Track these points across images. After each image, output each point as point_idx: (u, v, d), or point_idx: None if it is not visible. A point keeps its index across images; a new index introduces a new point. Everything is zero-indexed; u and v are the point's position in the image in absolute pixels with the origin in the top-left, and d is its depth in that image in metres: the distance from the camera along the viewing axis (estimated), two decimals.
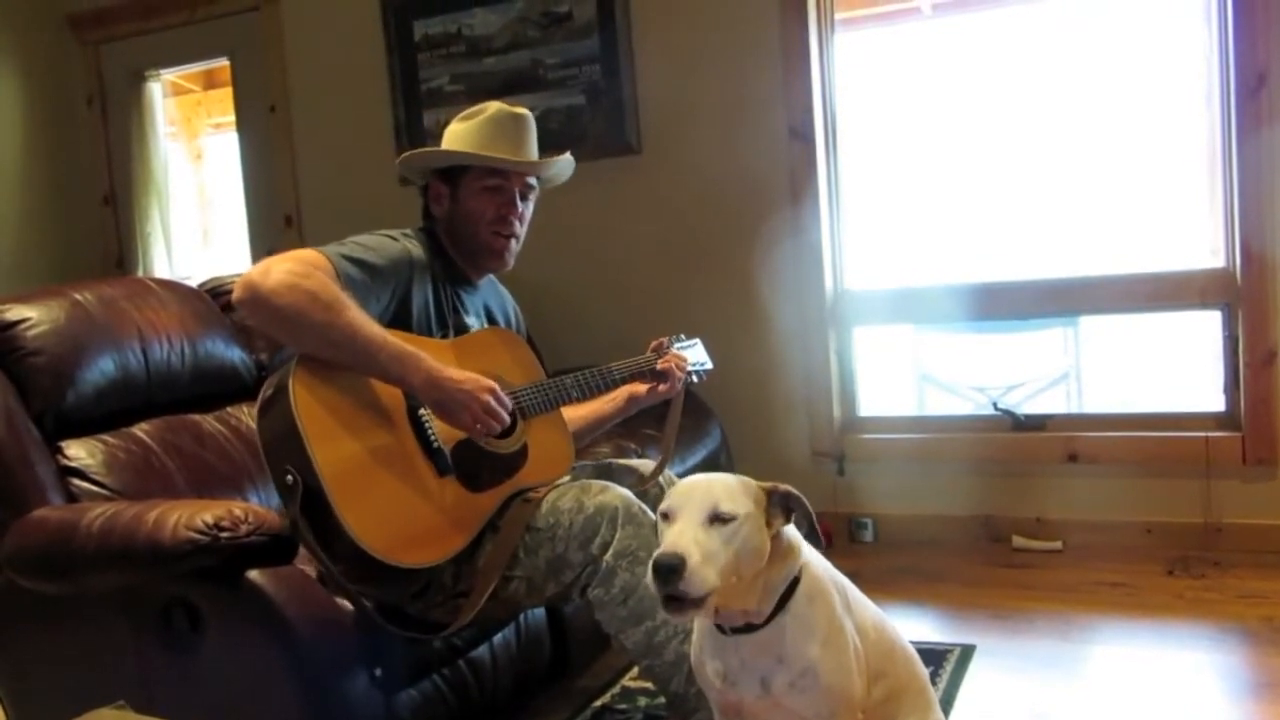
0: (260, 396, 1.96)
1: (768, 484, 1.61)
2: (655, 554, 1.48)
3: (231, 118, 4.71)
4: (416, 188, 2.33)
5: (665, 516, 1.55)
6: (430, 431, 2.00)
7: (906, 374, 4.49)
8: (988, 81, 3.56)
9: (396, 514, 1.90)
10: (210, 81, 5.44)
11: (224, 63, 4.64)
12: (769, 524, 1.58)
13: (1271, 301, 3.18)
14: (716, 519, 1.51)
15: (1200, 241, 3.36)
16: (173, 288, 2.68)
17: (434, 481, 1.98)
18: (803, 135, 3.62)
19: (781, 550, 1.60)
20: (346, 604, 1.96)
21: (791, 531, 1.63)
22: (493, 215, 2.22)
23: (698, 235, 3.80)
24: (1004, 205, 3.65)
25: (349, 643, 1.93)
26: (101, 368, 2.32)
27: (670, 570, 1.45)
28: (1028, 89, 3.53)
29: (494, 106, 2.23)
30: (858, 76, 3.69)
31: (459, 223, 2.24)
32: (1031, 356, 4.42)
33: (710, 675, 1.69)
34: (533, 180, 2.28)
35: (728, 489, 1.55)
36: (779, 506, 1.60)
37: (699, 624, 1.73)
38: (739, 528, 1.52)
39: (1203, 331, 3.46)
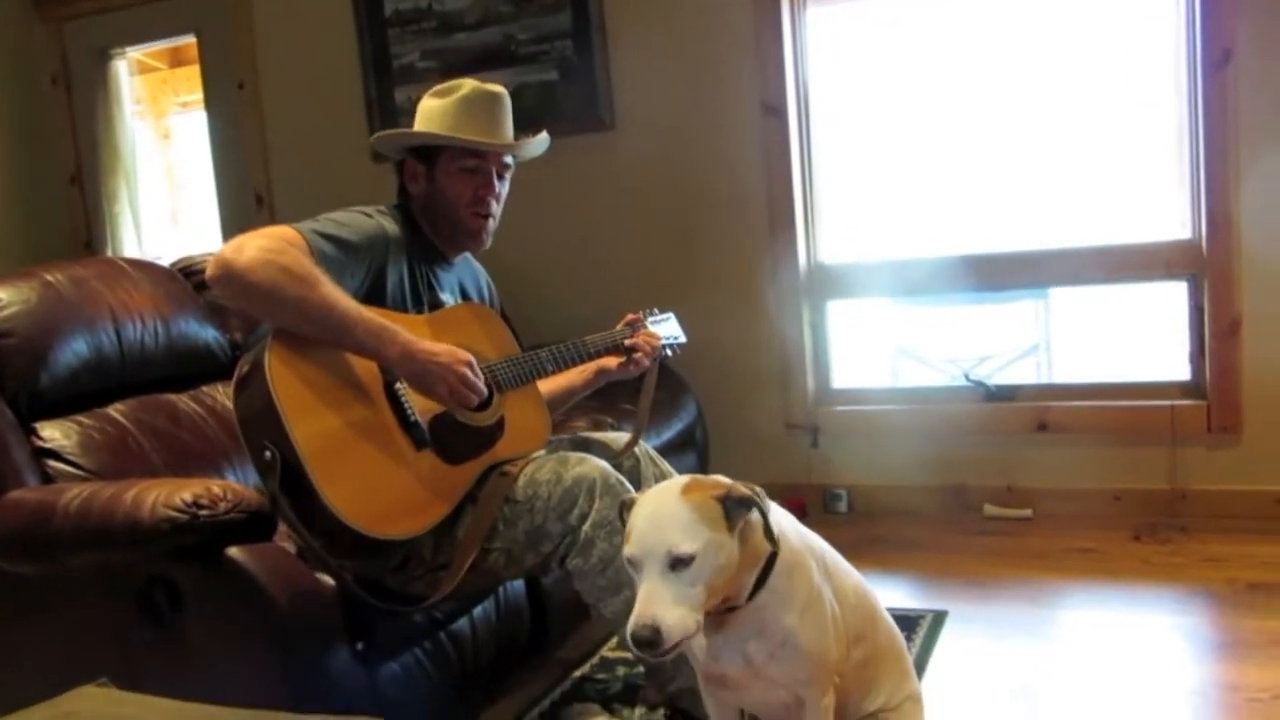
0: (236, 374, 1.97)
1: (720, 488, 1.56)
2: (630, 628, 1.46)
3: (199, 96, 4.66)
4: (391, 164, 2.33)
5: (631, 564, 1.52)
6: (407, 405, 2.01)
7: (879, 347, 4.52)
8: (959, 55, 3.58)
9: (375, 486, 1.92)
10: (176, 59, 5.38)
11: (191, 40, 4.59)
12: (730, 527, 1.54)
13: (1236, 272, 3.23)
14: (677, 563, 1.48)
15: (1167, 213, 3.41)
16: (145, 268, 2.67)
17: (412, 454, 1.99)
18: (776, 110, 3.64)
19: (748, 538, 1.58)
20: (327, 579, 1.98)
21: (754, 519, 1.58)
22: (470, 197, 2.22)
23: (671, 210, 3.81)
24: (975, 179, 3.67)
25: (330, 617, 1.94)
26: (75, 349, 2.32)
27: (649, 644, 1.45)
28: (999, 63, 3.55)
29: (469, 84, 2.23)
30: (830, 51, 3.70)
31: (436, 203, 2.24)
32: (1003, 328, 4.47)
33: (694, 647, 1.71)
34: (509, 160, 2.29)
35: (682, 526, 1.50)
36: (736, 510, 1.55)
37: None
38: (702, 562, 1.49)
39: (1169, 302, 3.51)
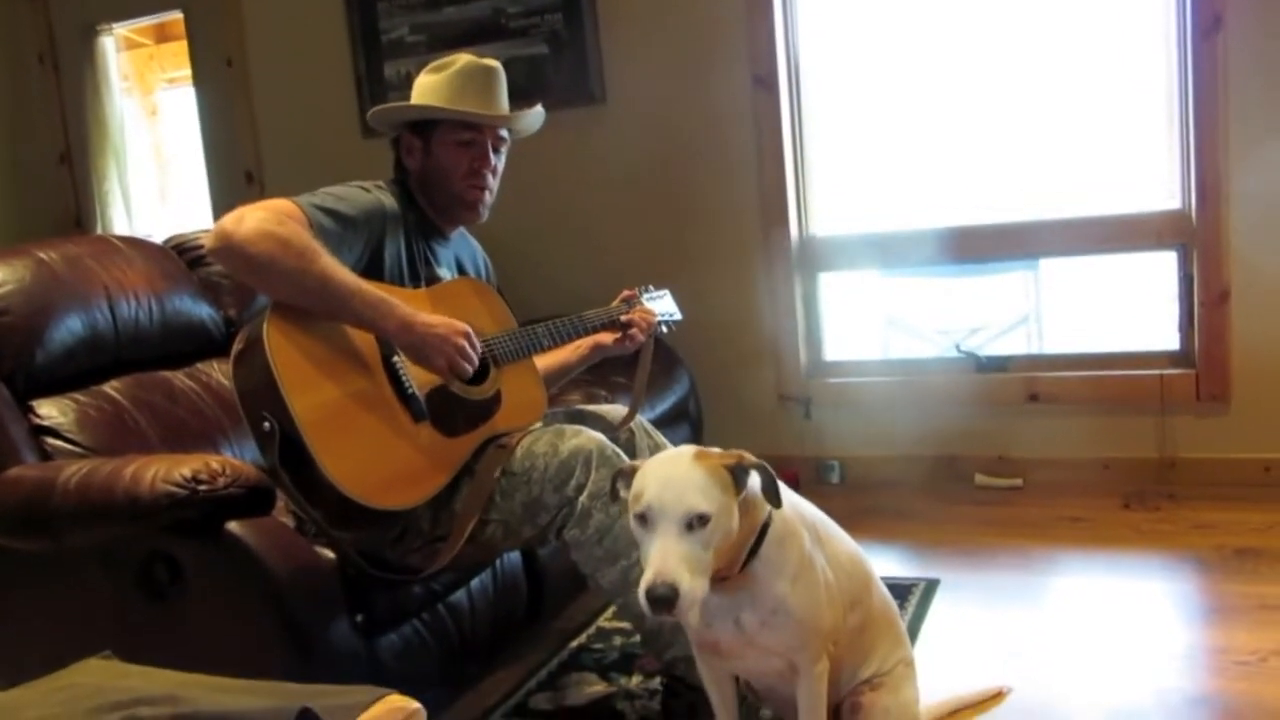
0: (234, 347, 1.97)
1: (730, 457, 1.59)
2: (647, 584, 1.46)
3: (186, 72, 4.64)
4: (387, 140, 2.33)
5: (643, 519, 1.52)
6: (405, 378, 2.02)
7: (871, 319, 4.54)
8: (949, 26, 3.57)
9: (374, 457, 1.93)
10: (162, 35, 5.33)
11: (177, 15, 4.56)
12: (736, 496, 1.56)
13: (1225, 242, 3.25)
14: (694, 523, 1.49)
15: (1157, 184, 3.42)
16: (138, 245, 2.66)
17: (410, 427, 2.00)
18: (767, 82, 3.64)
19: (748, 509, 1.60)
20: (326, 552, 2.00)
21: (753, 487, 1.61)
22: (466, 169, 2.23)
23: (663, 184, 3.82)
24: (966, 150, 3.68)
25: (330, 589, 1.96)
26: (70, 326, 2.32)
27: (665, 601, 1.45)
28: (989, 33, 3.55)
29: (464, 59, 2.23)
30: (821, 23, 3.70)
31: (432, 176, 2.25)
32: (993, 299, 4.48)
33: (689, 616, 1.73)
34: (504, 133, 2.29)
35: (699, 488, 1.51)
36: (743, 479, 1.58)
37: None
38: (716, 524, 1.51)
39: (1159, 272, 3.52)
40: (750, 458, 1.59)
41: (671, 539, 1.49)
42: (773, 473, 1.59)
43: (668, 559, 1.47)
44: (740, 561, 1.63)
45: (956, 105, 3.64)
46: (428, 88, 2.23)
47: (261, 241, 1.89)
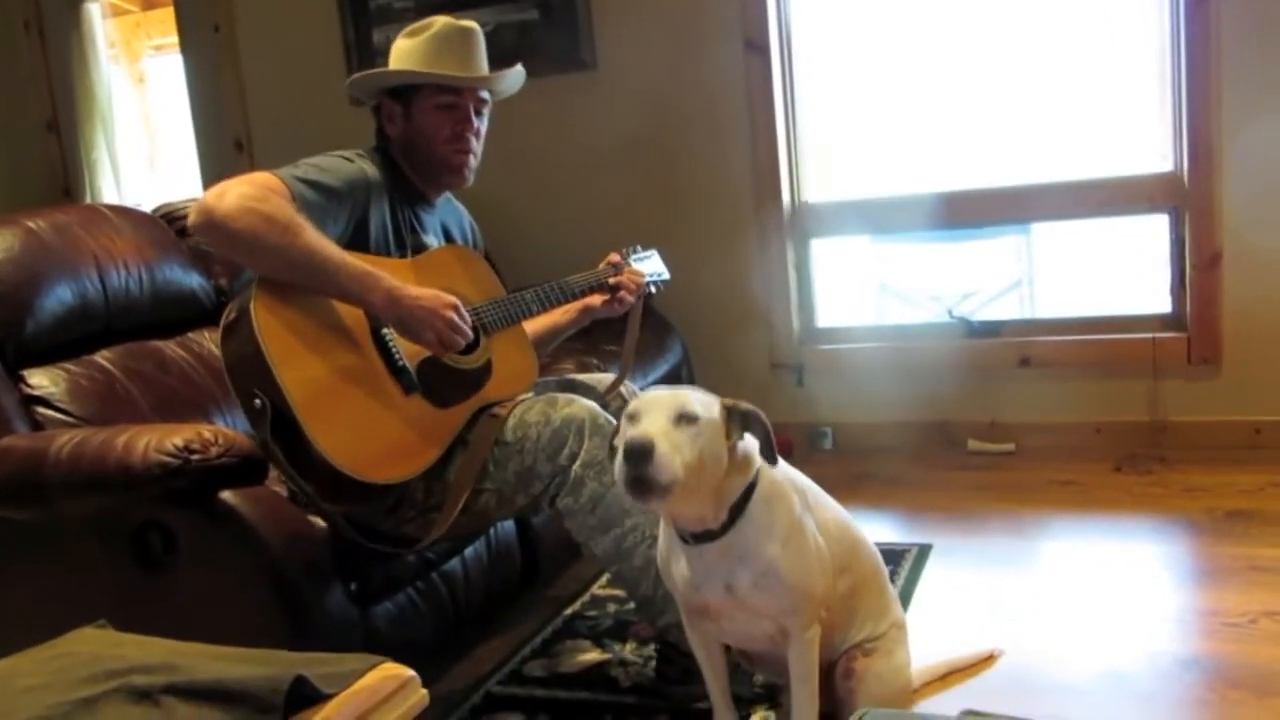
0: (223, 320, 1.96)
1: (728, 400, 1.67)
2: (626, 439, 1.54)
3: (173, 39, 4.58)
4: (368, 108, 2.31)
5: (630, 418, 1.60)
6: (394, 350, 2.01)
7: (864, 284, 4.54)
8: None
9: (366, 431, 1.93)
10: (149, 1, 5.28)
11: None
12: (727, 436, 1.64)
13: (1217, 205, 3.24)
14: (683, 418, 1.57)
15: (1149, 146, 3.41)
16: (127, 214, 2.65)
17: (401, 399, 2.00)
18: (758, 47, 3.61)
19: (738, 462, 1.66)
20: (319, 521, 2.00)
21: (747, 444, 1.69)
22: (449, 133, 2.20)
23: (654, 150, 3.79)
24: (959, 114, 3.66)
25: (324, 558, 1.96)
26: (59, 295, 2.31)
27: (642, 452, 1.51)
28: None
29: (440, 21, 2.20)
30: None
31: (415, 142, 2.22)
32: (986, 264, 4.48)
33: (676, 578, 1.75)
34: (485, 94, 2.26)
35: (693, 396, 1.62)
36: (737, 422, 1.66)
37: (664, 530, 1.78)
38: (703, 429, 1.58)
39: (1151, 235, 3.52)
40: (746, 404, 1.67)
41: (659, 420, 1.56)
42: (768, 424, 1.65)
43: (652, 425, 1.55)
44: (724, 509, 1.66)
45: (948, 70, 3.63)
46: (405, 52, 2.20)
47: (244, 217, 1.87)
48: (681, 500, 1.59)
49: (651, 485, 1.52)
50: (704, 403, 1.62)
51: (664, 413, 1.57)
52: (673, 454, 1.53)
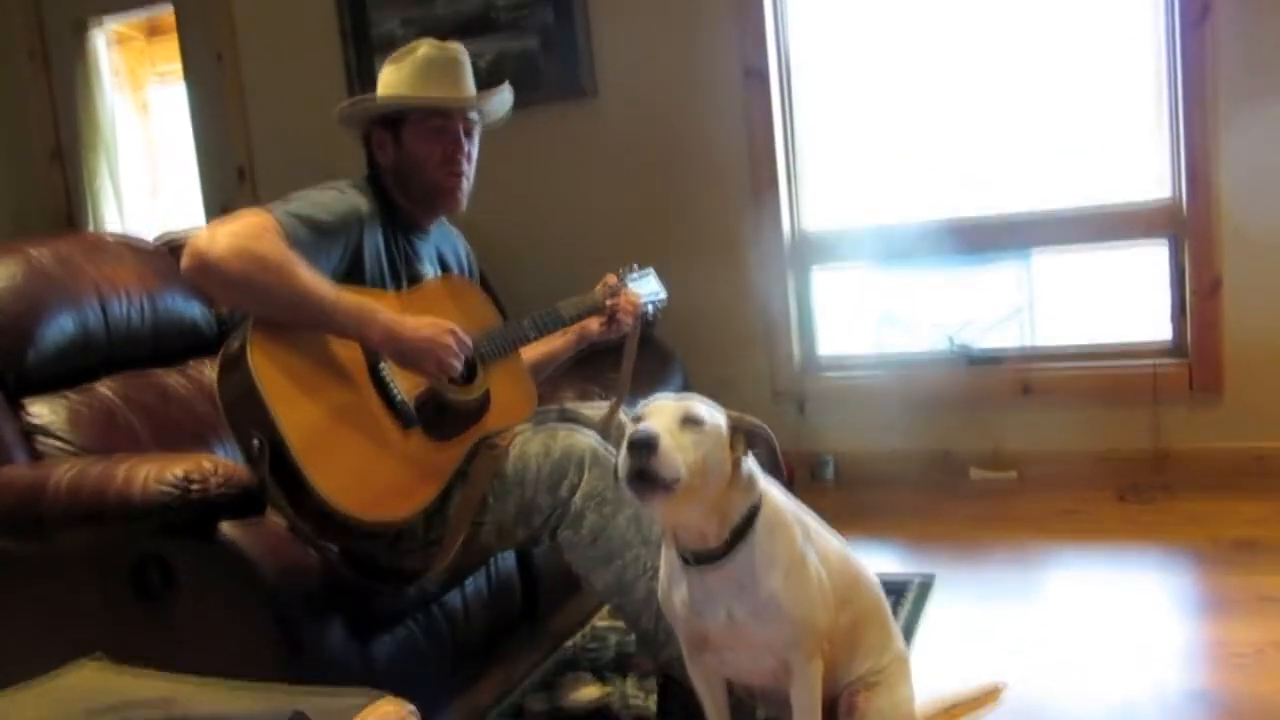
0: (220, 356, 1.95)
1: (735, 414, 1.68)
2: (630, 432, 1.54)
3: (177, 66, 4.61)
4: (359, 138, 2.30)
5: (636, 420, 1.61)
6: (392, 385, 2.01)
7: (864, 313, 4.53)
8: (939, 17, 3.56)
9: (365, 471, 1.91)
10: (153, 29, 5.29)
11: (168, 10, 4.54)
12: (731, 449, 1.64)
13: (1216, 231, 3.24)
14: (689, 422, 1.58)
15: (1147, 173, 3.41)
16: (129, 243, 2.66)
17: (399, 436, 1.99)
18: (758, 74, 3.63)
19: (741, 481, 1.66)
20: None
21: (752, 465, 1.69)
22: (440, 157, 2.20)
23: (655, 178, 3.80)
24: (956, 142, 3.67)
25: (323, 591, 1.95)
26: (61, 325, 2.30)
27: (646, 444, 1.51)
28: (979, 25, 3.54)
29: (424, 45, 2.19)
30: (812, 13, 3.68)
31: (407, 168, 2.21)
32: (986, 292, 4.47)
33: (677, 605, 1.74)
34: (474, 116, 2.26)
35: (701, 403, 1.64)
36: (742, 435, 1.66)
37: (665, 556, 1.77)
38: (708, 434, 1.59)
39: (1150, 263, 3.52)
40: (752, 419, 1.68)
41: (664, 421, 1.57)
42: (773, 439, 1.67)
43: (658, 423, 1.56)
44: (726, 528, 1.65)
45: (947, 97, 3.63)
46: (391, 80, 2.20)
47: (237, 260, 1.86)
48: (683, 503, 1.58)
49: (654, 480, 1.52)
50: (710, 411, 1.64)
51: (670, 415, 1.59)
52: (676, 451, 1.54)
